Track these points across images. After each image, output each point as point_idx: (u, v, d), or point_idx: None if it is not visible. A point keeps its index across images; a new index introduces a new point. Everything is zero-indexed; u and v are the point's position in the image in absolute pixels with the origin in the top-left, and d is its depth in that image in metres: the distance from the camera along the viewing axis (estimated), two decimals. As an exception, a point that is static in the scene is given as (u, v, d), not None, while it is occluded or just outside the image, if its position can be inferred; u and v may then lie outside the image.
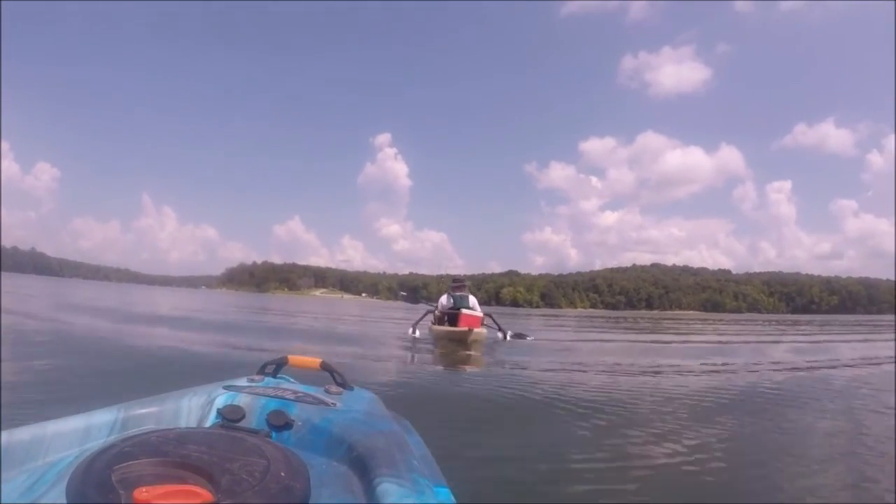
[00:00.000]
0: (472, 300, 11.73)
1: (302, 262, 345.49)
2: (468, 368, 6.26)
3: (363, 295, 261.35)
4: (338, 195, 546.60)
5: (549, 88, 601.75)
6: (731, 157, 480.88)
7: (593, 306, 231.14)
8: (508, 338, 11.35)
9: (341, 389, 1.86)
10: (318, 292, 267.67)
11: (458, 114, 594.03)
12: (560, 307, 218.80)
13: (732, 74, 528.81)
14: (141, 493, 0.92)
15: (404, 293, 14.81)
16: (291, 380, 1.99)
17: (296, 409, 1.59)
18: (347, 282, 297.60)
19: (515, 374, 5.74)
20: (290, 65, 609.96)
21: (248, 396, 1.66)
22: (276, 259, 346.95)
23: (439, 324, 11.51)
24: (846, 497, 2.71)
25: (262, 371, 1.98)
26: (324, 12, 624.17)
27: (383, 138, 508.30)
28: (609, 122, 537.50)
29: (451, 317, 11.17)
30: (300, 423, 1.52)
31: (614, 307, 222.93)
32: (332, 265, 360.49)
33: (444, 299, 11.98)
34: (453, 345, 10.09)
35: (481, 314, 11.49)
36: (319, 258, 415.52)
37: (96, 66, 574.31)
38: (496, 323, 12.05)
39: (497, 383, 5.19)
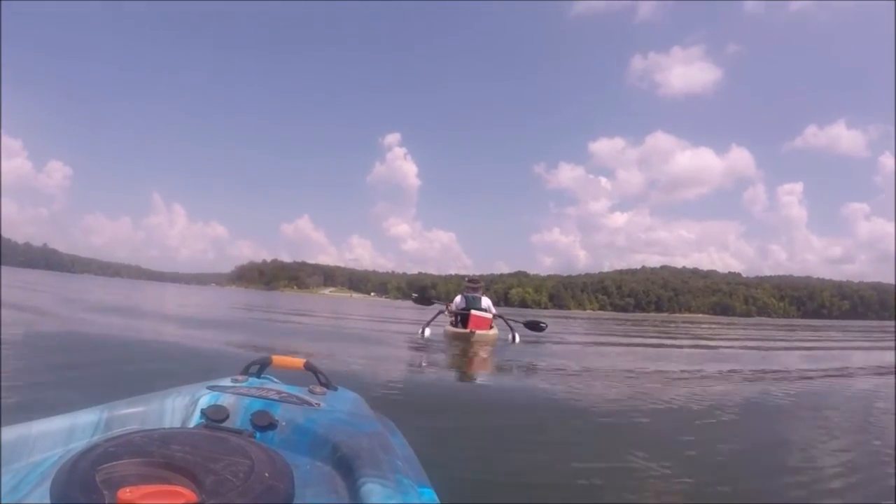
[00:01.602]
0: (486, 301, 11.64)
1: (311, 260, 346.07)
2: (458, 370, 6.18)
3: (372, 294, 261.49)
4: (346, 194, 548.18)
5: (559, 89, 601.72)
6: (741, 158, 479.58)
7: (602, 308, 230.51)
8: (517, 340, 11.15)
9: (325, 390, 1.86)
10: (326, 291, 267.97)
11: (467, 114, 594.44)
12: (569, 308, 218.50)
13: (743, 75, 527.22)
14: (125, 493, 0.92)
15: (416, 294, 14.50)
16: (275, 380, 1.98)
17: (280, 409, 1.59)
18: (356, 281, 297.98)
19: (507, 378, 5.67)
20: (299, 64, 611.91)
21: (232, 397, 1.65)
22: (285, 257, 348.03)
23: (453, 324, 11.42)
24: (846, 497, 2.69)
25: (245, 371, 1.97)
26: (334, 12, 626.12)
27: (392, 138, 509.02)
28: (618, 122, 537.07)
29: (463, 317, 11.11)
30: (284, 424, 1.52)
31: (623, 309, 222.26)
32: (341, 264, 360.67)
33: (458, 299, 11.89)
34: (461, 344, 10.03)
35: (491, 316, 11.38)
36: (328, 257, 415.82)
37: (108, 64, 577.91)
38: (507, 324, 11.84)
39: (486, 387, 5.16)
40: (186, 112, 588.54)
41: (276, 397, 1.68)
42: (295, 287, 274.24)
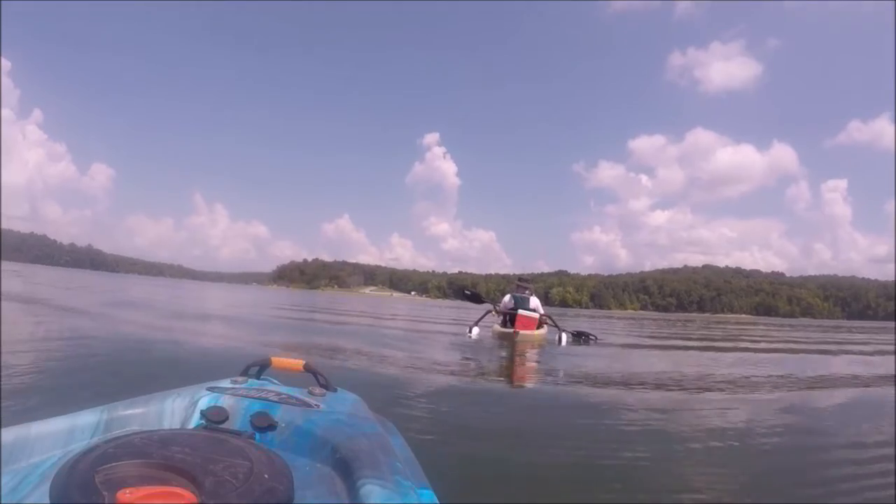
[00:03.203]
0: (534, 301, 11.77)
1: (351, 259, 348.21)
2: (461, 372, 6.06)
3: (412, 293, 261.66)
4: (386, 194, 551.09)
5: (597, 87, 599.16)
6: (783, 154, 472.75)
7: (643, 308, 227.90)
8: (564, 342, 11.08)
9: (325, 391, 1.86)
10: (367, 290, 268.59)
11: (506, 113, 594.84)
12: (609, 308, 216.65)
13: (784, 70, 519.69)
14: (124, 494, 0.92)
15: (468, 292, 13.93)
16: (275, 381, 1.98)
17: (279, 410, 1.59)
18: (397, 280, 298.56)
19: (511, 385, 5.62)
20: (339, 65, 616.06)
21: (232, 398, 1.66)
22: (326, 257, 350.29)
23: (501, 324, 11.49)
24: (846, 498, 2.69)
25: (245, 372, 1.97)
26: (373, 13, 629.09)
27: (432, 138, 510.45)
28: (658, 119, 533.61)
29: (511, 317, 11.22)
30: (284, 425, 1.52)
31: (665, 309, 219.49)
32: (382, 263, 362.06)
33: (506, 299, 12.02)
34: (506, 344, 9.94)
35: (537, 316, 11.38)
36: (369, 256, 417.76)
37: (150, 68, 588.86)
38: (555, 325, 11.92)
39: (489, 390, 5.13)
40: (227, 113, 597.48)
41: (275, 399, 1.68)
42: (336, 286, 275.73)
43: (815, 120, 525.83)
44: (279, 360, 2.01)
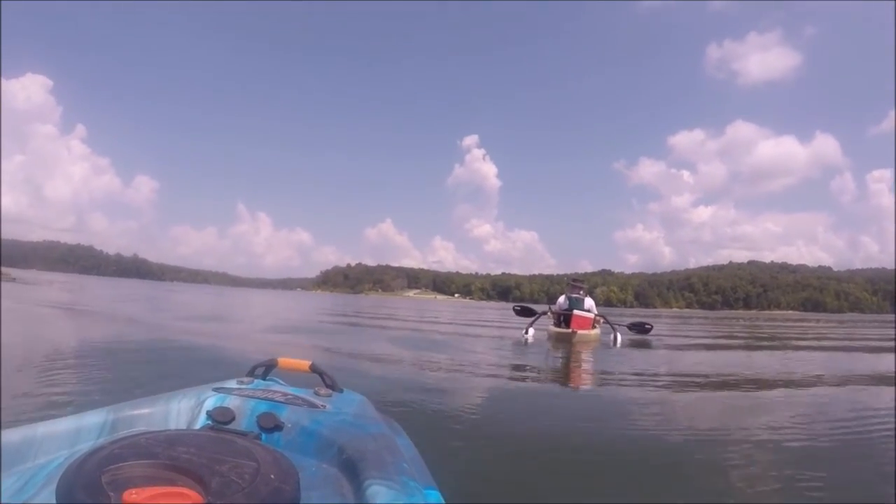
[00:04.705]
0: (588, 302, 12.16)
1: (395, 263, 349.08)
2: (467, 371, 6.07)
3: (456, 296, 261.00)
4: (428, 197, 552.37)
5: (635, 84, 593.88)
6: (826, 145, 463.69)
7: (689, 306, 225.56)
8: (619, 341, 11.02)
9: (331, 392, 1.87)
10: (411, 293, 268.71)
11: (544, 114, 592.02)
12: (655, 307, 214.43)
13: (822, 58, 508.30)
14: (130, 494, 0.92)
15: (518, 308, 14.59)
16: (281, 382, 2.00)
17: (285, 411, 1.59)
18: (440, 282, 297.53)
19: (529, 387, 5.57)
20: (379, 71, 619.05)
21: (238, 398, 1.67)
22: (369, 261, 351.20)
23: (556, 325, 11.77)
24: (846, 497, 2.64)
25: (251, 373, 1.99)
26: (410, 18, 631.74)
27: (471, 140, 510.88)
28: (697, 114, 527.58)
29: (566, 318, 11.58)
30: (290, 426, 1.52)
31: (710, 307, 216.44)
32: (425, 266, 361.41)
33: (561, 300, 12.42)
34: (563, 345, 10.26)
35: (592, 316, 11.79)
36: (412, 259, 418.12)
37: (191, 80, 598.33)
38: (609, 324, 12.09)
39: (493, 390, 5.17)
40: (268, 123, 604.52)
41: (281, 399, 1.69)
42: (379, 290, 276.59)
43: (856, 108, 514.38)
44: (286, 361, 2.02)
